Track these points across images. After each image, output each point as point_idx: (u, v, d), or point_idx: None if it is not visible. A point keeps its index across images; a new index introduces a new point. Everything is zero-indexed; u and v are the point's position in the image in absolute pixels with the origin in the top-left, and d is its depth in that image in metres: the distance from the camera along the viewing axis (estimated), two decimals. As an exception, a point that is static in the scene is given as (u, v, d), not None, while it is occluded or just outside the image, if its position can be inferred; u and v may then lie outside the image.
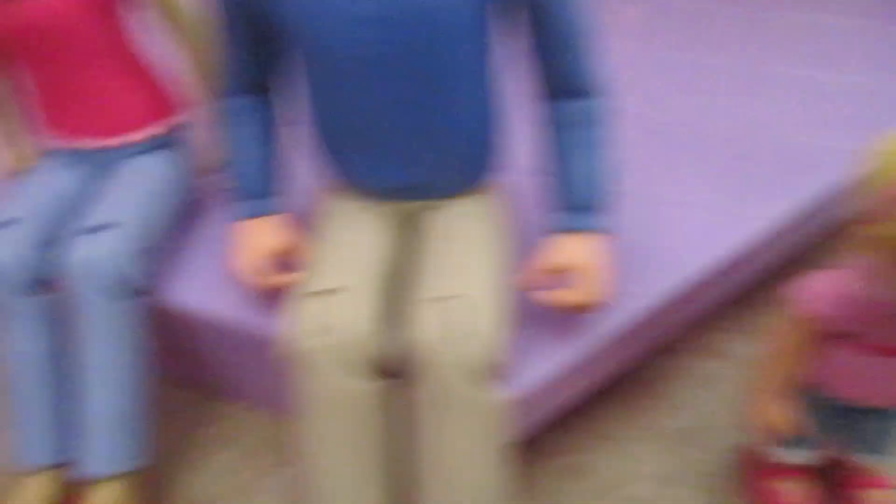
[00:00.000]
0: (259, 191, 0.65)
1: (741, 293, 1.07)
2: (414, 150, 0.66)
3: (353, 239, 0.66)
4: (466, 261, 0.63)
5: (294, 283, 0.64)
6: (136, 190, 0.67)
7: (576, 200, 0.67)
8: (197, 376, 0.77)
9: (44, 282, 0.66)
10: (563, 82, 0.66)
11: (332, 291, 0.60)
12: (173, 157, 0.74)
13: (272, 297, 0.70)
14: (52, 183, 0.71)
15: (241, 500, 0.68)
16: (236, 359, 0.72)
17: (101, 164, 0.72)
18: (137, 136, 0.71)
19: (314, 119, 0.69)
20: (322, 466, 0.60)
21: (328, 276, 0.62)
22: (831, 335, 0.67)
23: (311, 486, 0.61)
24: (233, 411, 0.76)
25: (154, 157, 0.72)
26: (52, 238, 0.68)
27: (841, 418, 0.73)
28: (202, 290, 0.71)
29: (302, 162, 0.93)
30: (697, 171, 1.00)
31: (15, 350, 0.65)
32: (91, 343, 0.61)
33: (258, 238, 0.64)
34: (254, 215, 0.65)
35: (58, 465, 0.65)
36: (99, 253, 0.61)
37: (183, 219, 0.80)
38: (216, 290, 0.72)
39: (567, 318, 0.71)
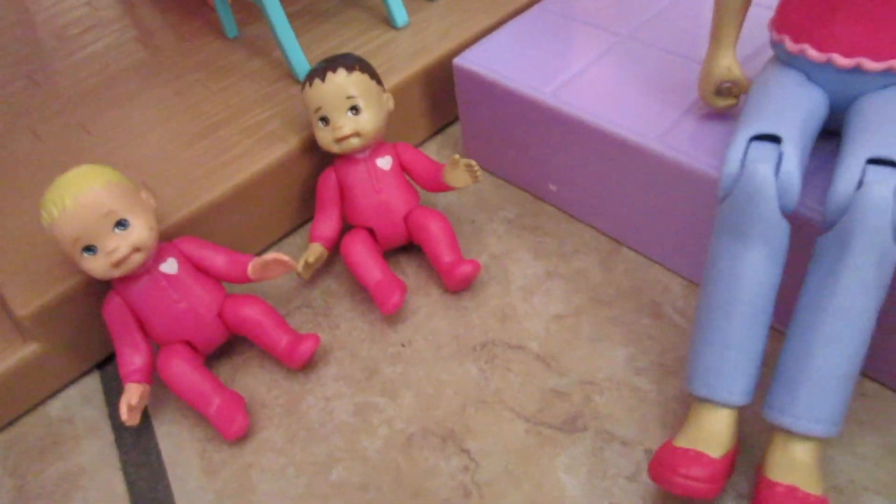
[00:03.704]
0: None
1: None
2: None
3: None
4: None
5: None
6: None
7: None
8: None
9: (793, 207, 0.59)
10: None
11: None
12: None
13: None
14: (800, 99, 0.62)
15: (888, 498, 0.62)
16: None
17: (849, 86, 0.63)
18: None
19: None
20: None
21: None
22: None
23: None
24: (878, 393, 0.69)
25: None
26: (805, 162, 0.60)
27: None
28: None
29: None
30: None
31: (744, 273, 0.59)
32: (846, 287, 0.55)
33: None
34: None
35: (742, 406, 0.60)
36: (891, 190, 0.53)
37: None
38: None
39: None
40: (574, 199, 0.88)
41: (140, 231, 0.69)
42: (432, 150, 1.03)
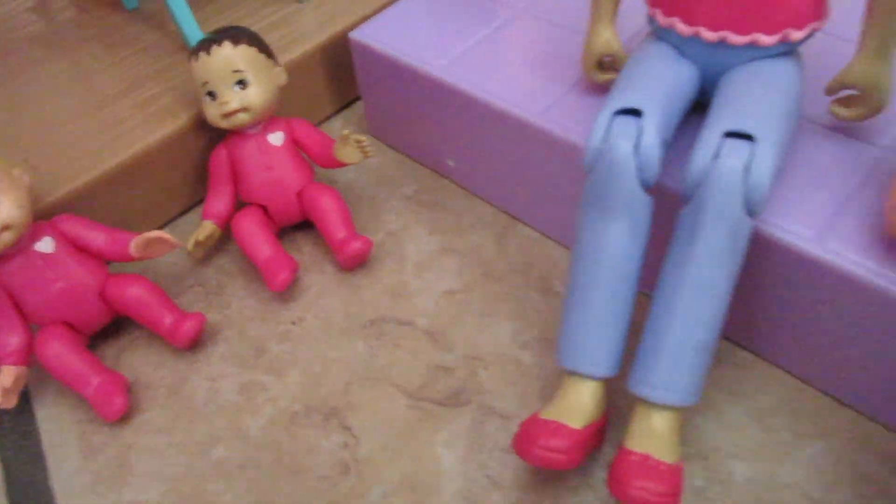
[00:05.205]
0: None
1: None
2: None
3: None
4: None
5: None
6: (771, 100, 0.58)
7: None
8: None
9: (654, 181, 0.59)
10: None
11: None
12: (799, 68, 0.63)
13: None
14: (667, 73, 0.62)
15: (762, 464, 0.63)
16: (803, 310, 0.63)
17: (717, 60, 0.63)
18: (796, 35, 0.61)
19: None
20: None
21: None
22: None
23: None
24: (749, 362, 0.70)
25: (783, 64, 0.62)
26: (668, 136, 0.60)
27: None
28: (799, 223, 0.62)
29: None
30: None
31: (606, 247, 0.59)
32: (699, 259, 0.56)
33: None
34: None
35: (607, 378, 0.61)
36: (744, 163, 0.54)
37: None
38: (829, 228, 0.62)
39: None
40: (471, 175, 0.87)
41: (8, 209, 0.67)
42: (337, 125, 1.02)
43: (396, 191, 0.91)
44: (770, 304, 0.65)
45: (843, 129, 0.68)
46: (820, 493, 0.61)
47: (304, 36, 0.97)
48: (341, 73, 1.01)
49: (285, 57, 0.93)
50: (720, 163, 0.55)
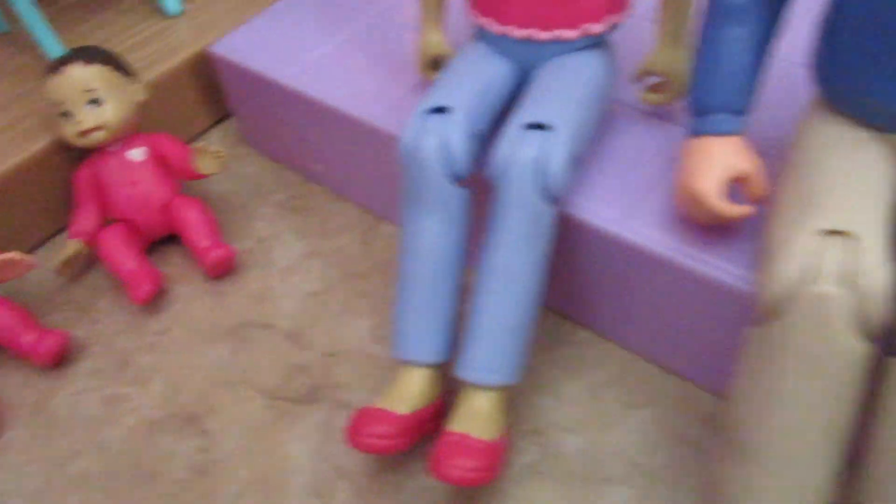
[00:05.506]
0: (740, 105, 0.57)
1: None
2: None
3: (861, 172, 0.55)
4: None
5: (746, 216, 0.58)
6: (572, 91, 0.62)
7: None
8: (560, 296, 0.74)
9: (465, 174, 0.63)
10: None
11: (853, 235, 0.49)
12: (606, 60, 0.67)
13: (714, 227, 0.63)
14: (481, 71, 0.66)
15: (593, 435, 0.67)
16: (622, 288, 0.67)
17: (528, 56, 0.67)
18: (596, 28, 0.65)
19: (829, 25, 0.56)
20: (777, 427, 0.52)
21: (841, 214, 0.51)
22: None
23: (753, 445, 0.52)
24: (588, 340, 0.74)
25: (588, 57, 0.65)
26: (480, 130, 0.64)
27: None
28: (607, 205, 0.66)
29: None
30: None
31: (422, 239, 0.62)
32: (504, 246, 0.59)
33: (726, 158, 0.57)
34: (726, 132, 0.57)
35: (438, 364, 0.64)
36: (537, 153, 0.58)
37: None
38: (623, 206, 0.66)
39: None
40: (337, 178, 0.90)
41: None
42: (215, 138, 1.03)
43: (269, 198, 0.93)
44: (594, 283, 0.69)
45: (658, 114, 0.72)
46: (643, 457, 0.64)
47: (175, 51, 0.98)
48: (215, 86, 1.02)
49: (155, 72, 0.94)
50: (515, 153, 0.58)
